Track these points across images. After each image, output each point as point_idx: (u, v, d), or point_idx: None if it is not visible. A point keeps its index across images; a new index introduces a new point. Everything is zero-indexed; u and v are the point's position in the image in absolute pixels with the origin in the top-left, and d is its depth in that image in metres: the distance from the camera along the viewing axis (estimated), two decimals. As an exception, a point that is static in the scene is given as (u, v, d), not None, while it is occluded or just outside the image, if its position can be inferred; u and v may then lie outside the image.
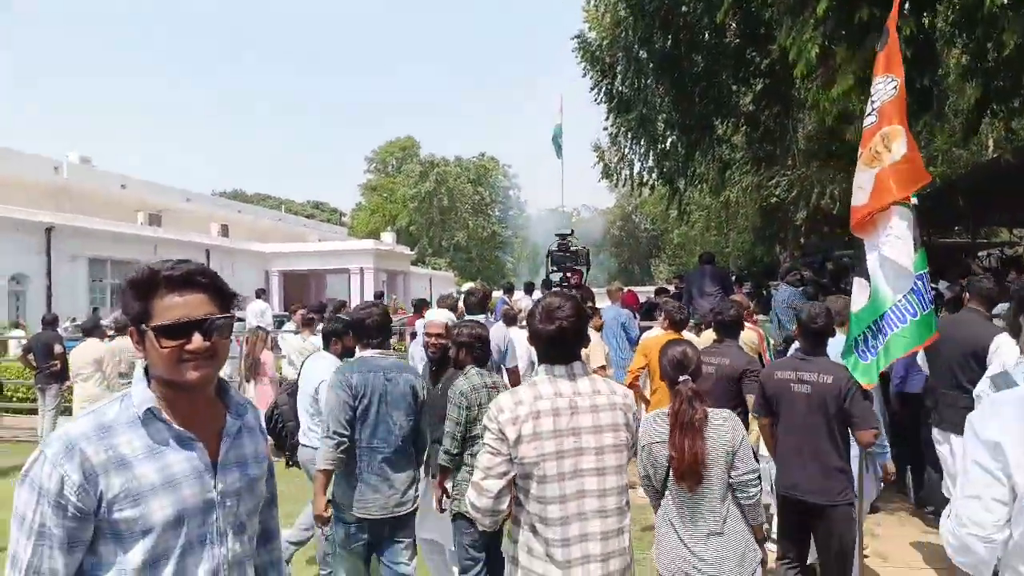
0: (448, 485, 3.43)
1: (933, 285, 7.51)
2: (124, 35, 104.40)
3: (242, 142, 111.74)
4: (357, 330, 3.39)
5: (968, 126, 8.11)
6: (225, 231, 28.16)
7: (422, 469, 3.49)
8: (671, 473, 2.64)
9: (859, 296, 3.51)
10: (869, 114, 3.56)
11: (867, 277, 3.48)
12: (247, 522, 1.46)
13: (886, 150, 3.36)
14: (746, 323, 5.18)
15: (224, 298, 1.39)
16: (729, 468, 2.61)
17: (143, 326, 1.32)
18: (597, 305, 7.71)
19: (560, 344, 2.12)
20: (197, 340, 1.31)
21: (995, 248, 15.80)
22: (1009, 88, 6.63)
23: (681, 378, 2.73)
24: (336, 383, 3.13)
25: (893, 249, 3.35)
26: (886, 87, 3.52)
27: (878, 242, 3.41)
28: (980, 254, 12.91)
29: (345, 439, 3.05)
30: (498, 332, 5.12)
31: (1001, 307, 4.86)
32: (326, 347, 4.21)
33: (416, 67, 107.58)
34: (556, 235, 11.50)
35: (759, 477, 2.71)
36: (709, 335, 5.00)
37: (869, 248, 3.49)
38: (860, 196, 3.48)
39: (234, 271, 25.44)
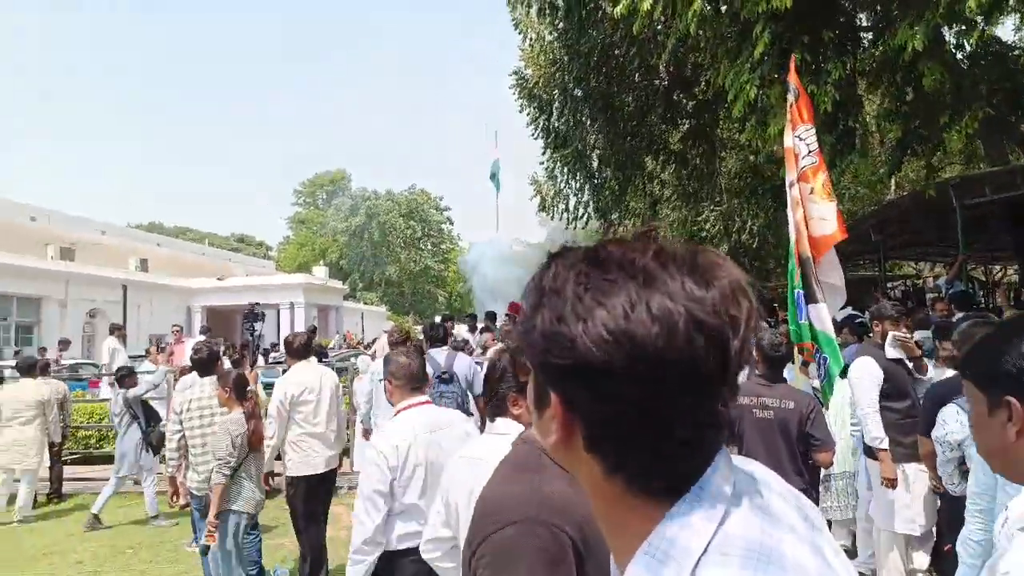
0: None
1: (857, 312, 7.91)
2: (33, 56, 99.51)
3: (159, 173, 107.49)
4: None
5: (891, 164, 8.79)
6: (144, 265, 26.79)
7: None
8: None
9: (827, 320, 3.69)
10: (808, 155, 3.87)
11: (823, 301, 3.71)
12: None
13: (831, 190, 3.72)
14: None
15: None
16: None
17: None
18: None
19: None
20: None
21: (899, 280, 17.00)
22: (926, 128, 7.20)
23: None
24: None
25: (840, 280, 3.77)
26: (810, 135, 3.90)
27: (832, 271, 3.74)
28: (888, 285, 13.78)
29: None
30: (463, 363, 5.20)
31: (920, 334, 5.20)
32: None
33: (346, 97, 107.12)
34: (249, 304, 16.05)
35: None
36: None
37: (825, 275, 3.76)
38: (825, 226, 3.73)
39: (153, 307, 24.20)
